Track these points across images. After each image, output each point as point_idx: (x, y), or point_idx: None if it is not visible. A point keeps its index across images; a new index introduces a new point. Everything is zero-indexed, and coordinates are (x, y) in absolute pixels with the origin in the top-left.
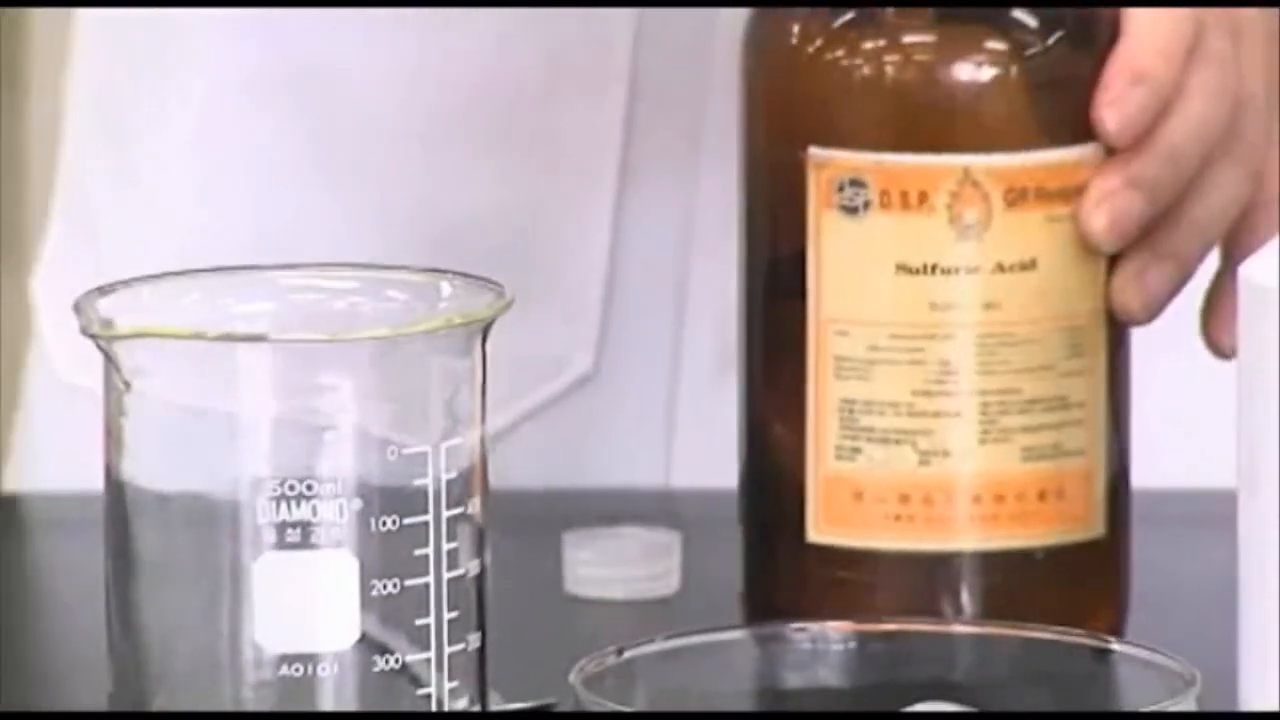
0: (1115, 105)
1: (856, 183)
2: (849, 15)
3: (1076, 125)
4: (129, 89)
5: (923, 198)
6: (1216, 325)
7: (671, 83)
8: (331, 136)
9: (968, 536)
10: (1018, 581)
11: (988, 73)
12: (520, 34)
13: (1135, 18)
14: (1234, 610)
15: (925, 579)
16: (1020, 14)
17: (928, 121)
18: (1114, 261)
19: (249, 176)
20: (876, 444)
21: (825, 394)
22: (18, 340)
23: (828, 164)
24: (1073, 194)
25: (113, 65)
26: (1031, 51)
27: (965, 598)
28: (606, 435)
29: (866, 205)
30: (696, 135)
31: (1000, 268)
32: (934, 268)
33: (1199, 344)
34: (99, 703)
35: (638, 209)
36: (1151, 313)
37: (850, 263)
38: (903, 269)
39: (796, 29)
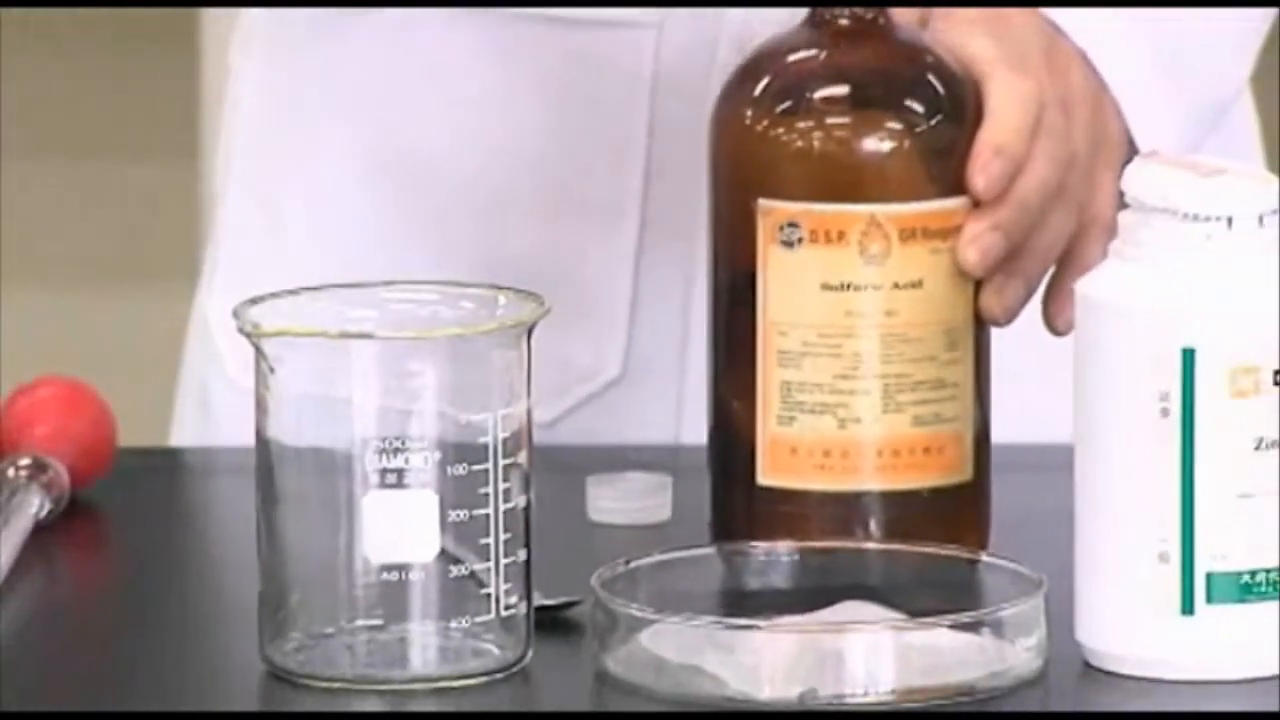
0: (982, 171)
1: (793, 225)
2: (788, 104)
3: (953, 182)
4: (275, 165)
5: (840, 235)
6: (1052, 314)
7: (678, 162)
8: (420, 202)
9: (873, 481)
10: (909, 513)
11: (887, 145)
12: (561, 126)
13: (994, 100)
14: (1071, 533)
15: (843, 512)
16: (911, 102)
17: (844, 180)
18: (980, 282)
19: (358, 226)
20: (807, 414)
21: (770, 377)
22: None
23: (772, 211)
24: (951, 233)
25: (262, 148)
26: (919, 129)
27: (872, 525)
28: (630, 422)
29: (800, 241)
30: (698, 203)
31: (897, 285)
32: (848, 286)
33: (1048, 338)
34: (252, 598)
35: (652, 255)
36: (1009, 318)
37: (788, 282)
38: (826, 287)
39: (749, 113)
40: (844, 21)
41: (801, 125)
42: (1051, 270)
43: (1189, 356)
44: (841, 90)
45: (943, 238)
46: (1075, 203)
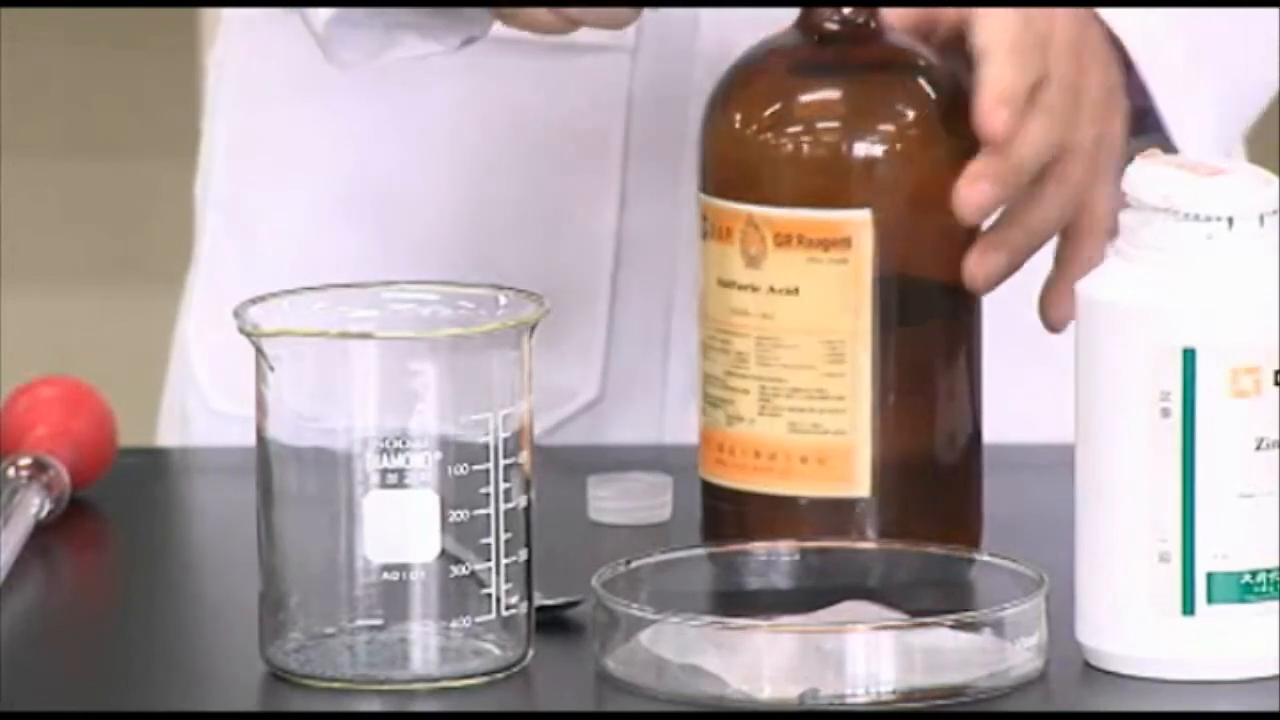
0: (991, 114)
1: (704, 218)
2: (730, 103)
3: (846, 195)
4: (254, 195)
5: (728, 232)
6: (1047, 308)
7: (654, 184)
8: (396, 229)
9: (754, 481)
10: (790, 519)
11: (776, 146)
12: (537, 150)
13: (991, 66)
14: (1071, 533)
15: (734, 508)
16: (812, 108)
17: (730, 177)
18: (890, 291)
19: (335, 254)
20: (709, 406)
21: (698, 369)
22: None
23: (699, 204)
24: (835, 245)
25: (238, 179)
26: (812, 135)
27: (750, 525)
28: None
29: (706, 234)
30: (676, 224)
31: (773, 289)
32: (733, 284)
33: (1048, 338)
34: (252, 598)
35: (629, 276)
36: (988, 286)
37: (702, 276)
38: (719, 283)
39: (705, 109)
40: (832, 24)
41: (718, 123)
42: (1051, 270)
43: (1189, 356)
44: (761, 89)
45: (824, 248)
46: (1073, 191)
